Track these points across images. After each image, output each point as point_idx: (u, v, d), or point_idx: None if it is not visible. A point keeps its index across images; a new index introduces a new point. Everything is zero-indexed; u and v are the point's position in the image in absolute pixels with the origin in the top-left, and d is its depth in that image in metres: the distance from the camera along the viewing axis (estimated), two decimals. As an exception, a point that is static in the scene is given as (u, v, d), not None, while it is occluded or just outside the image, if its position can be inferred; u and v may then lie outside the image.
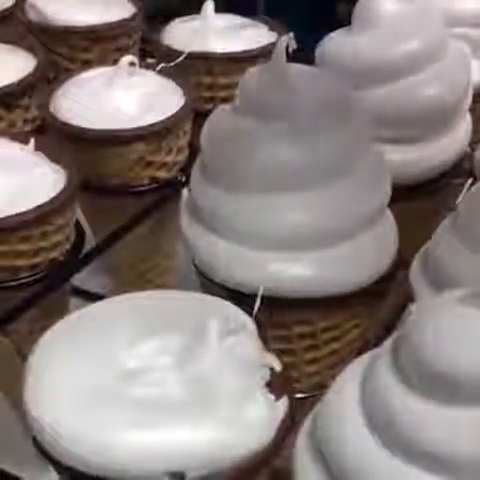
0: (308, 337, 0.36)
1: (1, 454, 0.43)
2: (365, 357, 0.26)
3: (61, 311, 0.44)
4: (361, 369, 0.25)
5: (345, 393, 0.24)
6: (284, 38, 0.31)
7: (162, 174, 0.47)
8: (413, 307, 0.24)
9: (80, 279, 0.46)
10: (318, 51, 0.43)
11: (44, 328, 0.41)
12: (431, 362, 0.22)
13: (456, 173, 0.45)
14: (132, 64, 0.47)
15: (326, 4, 0.96)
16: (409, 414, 0.22)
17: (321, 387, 0.37)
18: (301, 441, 0.26)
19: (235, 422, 0.27)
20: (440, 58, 0.42)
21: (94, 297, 0.49)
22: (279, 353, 0.30)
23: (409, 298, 0.42)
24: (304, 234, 0.33)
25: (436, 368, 0.22)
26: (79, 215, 0.44)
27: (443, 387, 0.22)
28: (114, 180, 0.46)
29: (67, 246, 0.41)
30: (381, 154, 0.36)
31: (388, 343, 0.24)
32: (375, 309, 0.38)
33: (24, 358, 0.43)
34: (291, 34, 0.31)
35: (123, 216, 0.46)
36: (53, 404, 0.27)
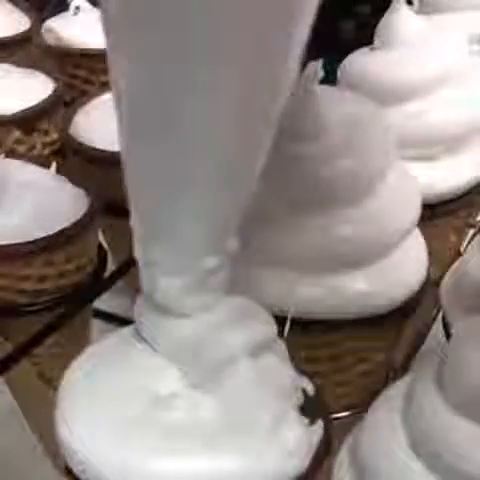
0: (337, 359, 0.35)
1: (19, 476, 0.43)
2: (403, 381, 0.25)
3: (83, 334, 0.44)
4: (400, 393, 0.24)
5: (386, 419, 0.24)
6: (314, 63, 0.31)
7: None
8: (455, 329, 0.24)
9: (100, 301, 0.46)
10: (341, 70, 0.43)
11: (66, 351, 0.41)
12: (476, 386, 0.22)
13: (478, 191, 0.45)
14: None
15: (329, 20, 0.96)
16: (457, 440, 0.22)
17: (350, 408, 0.37)
18: (339, 467, 0.25)
19: (270, 448, 0.26)
20: (464, 77, 0.42)
21: (115, 319, 0.49)
22: (309, 375, 0.30)
23: (435, 318, 0.42)
24: (334, 255, 0.33)
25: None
26: (100, 237, 0.44)
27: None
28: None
29: (90, 269, 0.41)
30: (408, 172, 0.35)
31: (430, 366, 0.24)
32: (402, 329, 0.37)
33: (45, 381, 0.43)
34: (320, 61, 0.31)
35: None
36: (84, 433, 0.27)
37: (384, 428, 0.24)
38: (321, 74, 0.31)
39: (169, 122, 0.23)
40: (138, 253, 0.27)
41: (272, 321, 0.29)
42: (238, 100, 0.22)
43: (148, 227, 0.26)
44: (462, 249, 0.46)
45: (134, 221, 0.26)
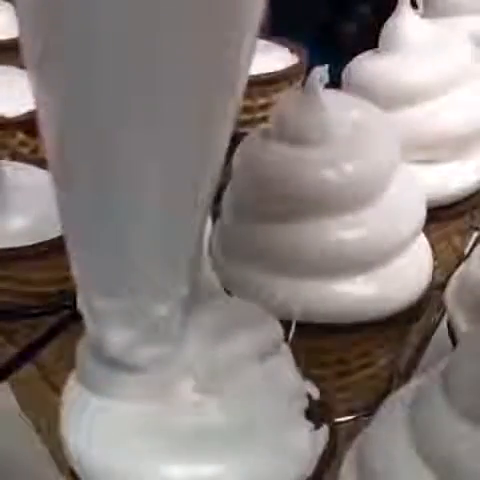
0: (341, 363, 0.35)
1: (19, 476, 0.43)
2: (409, 386, 0.25)
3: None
4: (406, 398, 0.24)
5: (392, 424, 0.24)
6: (318, 69, 0.31)
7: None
8: (460, 334, 0.24)
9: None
10: (345, 74, 0.43)
11: (70, 354, 0.41)
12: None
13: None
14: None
15: (330, 24, 0.97)
16: (464, 445, 0.22)
17: (354, 413, 0.37)
18: (345, 471, 0.25)
19: (275, 452, 0.26)
20: (470, 80, 0.42)
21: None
22: (314, 379, 0.30)
23: (439, 321, 0.41)
24: (340, 260, 0.33)
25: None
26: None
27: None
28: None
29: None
30: (413, 175, 0.35)
31: (436, 371, 0.24)
32: (407, 333, 0.37)
33: (50, 384, 0.43)
34: (326, 66, 0.31)
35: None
36: (89, 436, 0.27)
37: (390, 433, 0.24)
38: (326, 79, 0.31)
39: (101, 156, 0.21)
40: (82, 303, 0.25)
41: (278, 325, 0.29)
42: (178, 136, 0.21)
43: (91, 276, 0.25)
44: (466, 252, 0.46)
45: (75, 269, 0.25)
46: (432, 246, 0.37)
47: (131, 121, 0.20)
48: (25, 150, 0.49)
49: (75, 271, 0.25)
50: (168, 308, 0.25)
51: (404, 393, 0.25)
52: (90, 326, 0.26)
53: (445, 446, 0.22)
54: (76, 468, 0.27)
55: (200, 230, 0.25)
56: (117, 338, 0.25)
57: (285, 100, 0.35)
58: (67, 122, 0.21)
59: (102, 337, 0.25)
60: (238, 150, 0.35)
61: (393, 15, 0.42)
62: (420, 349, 0.41)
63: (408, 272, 0.34)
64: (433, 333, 0.41)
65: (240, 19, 0.20)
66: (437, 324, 0.41)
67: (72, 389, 0.29)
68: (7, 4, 0.63)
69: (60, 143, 0.22)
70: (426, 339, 0.41)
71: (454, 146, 0.42)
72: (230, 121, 0.22)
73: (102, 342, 0.25)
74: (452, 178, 0.43)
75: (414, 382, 0.25)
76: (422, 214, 0.35)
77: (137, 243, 0.23)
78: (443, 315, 0.38)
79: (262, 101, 0.52)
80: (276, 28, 0.55)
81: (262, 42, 0.57)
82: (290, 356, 0.29)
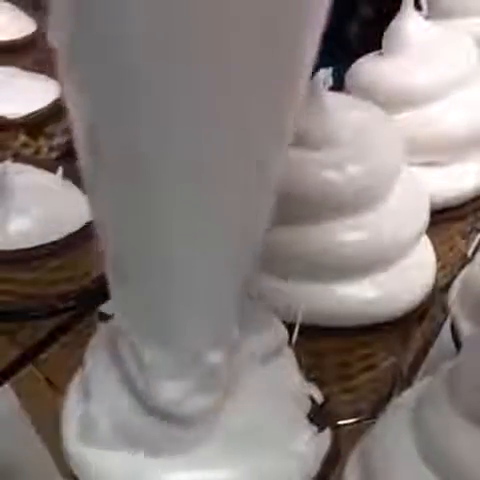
0: (344, 366, 0.35)
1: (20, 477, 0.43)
2: (413, 389, 0.25)
3: (89, 339, 0.44)
4: (410, 401, 0.24)
5: (396, 427, 0.24)
6: (322, 71, 0.31)
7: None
8: (465, 338, 0.24)
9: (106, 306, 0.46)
10: (348, 76, 0.43)
11: (72, 355, 0.40)
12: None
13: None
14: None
15: (333, 25, 0.96)
16: (468, 448, 0.21)
17: (357, 415, 0.37)
18: (349, 474, 0.25)
19: (279, 455, 0.26)
20: (474, 82, 0.42)
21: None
22: (317, 382, 0.30)
23: (443, 323, 0.41)
24: (343, 262, 0.33)
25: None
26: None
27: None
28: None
29: (96, 273, 0.40)
30: (417, 178, 0.35)
31: (440, 374, 0.24)
32: (410, 335, 0.37)
33: (52, 386, 0.43)
34: (330, 69, 0.31)
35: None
36: (93, 441, 0.26)
37: (394, 435, 0.24)
38: (330, 82, 0.31)
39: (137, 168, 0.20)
40: (127, 355, 0.24)
41: (281, 327, 0.29)
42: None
43: (140, 327, 0.24)
44: (470, 254, 0.46)
45: (122, 322, 0.24)
46: (435, 248, 0.37)
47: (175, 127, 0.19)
48: (27, 151, 0.49)
49: (124, 323, 0.24)
50: (222, 353, 0.24)
51: (407, 395, 0.25)
52: (136, 377, 0.25)
53: (448, 448, 0.22)
54: (76, 470, 0.27)
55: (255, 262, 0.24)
56: (169, 390, 0.24)
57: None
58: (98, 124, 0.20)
59: (151, 389, 0.24)
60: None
61: (397, 17, 0.42)
62: (423, 351, 0.41)
63: (411, 274, 0.34)
64: (436, 335, 0.41)
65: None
66: (440, 326, 0.41)
67: (74, 391, 0.29)
68: (7, 4, 0.63)
69: (91, 141, 0.21)
70: (429, 341, 0.41)
71: (457, 148, 0.42)
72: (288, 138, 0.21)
73: (150, 394, 0.24)
74: (455, 180, 0.43)
75: (417, 384, 0.25)
76: (425, 216, 0.35)
77: (195, 273, 0.22)
78: (446, 317, 0.38)
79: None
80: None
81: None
82: (293, 358, 0.29)
